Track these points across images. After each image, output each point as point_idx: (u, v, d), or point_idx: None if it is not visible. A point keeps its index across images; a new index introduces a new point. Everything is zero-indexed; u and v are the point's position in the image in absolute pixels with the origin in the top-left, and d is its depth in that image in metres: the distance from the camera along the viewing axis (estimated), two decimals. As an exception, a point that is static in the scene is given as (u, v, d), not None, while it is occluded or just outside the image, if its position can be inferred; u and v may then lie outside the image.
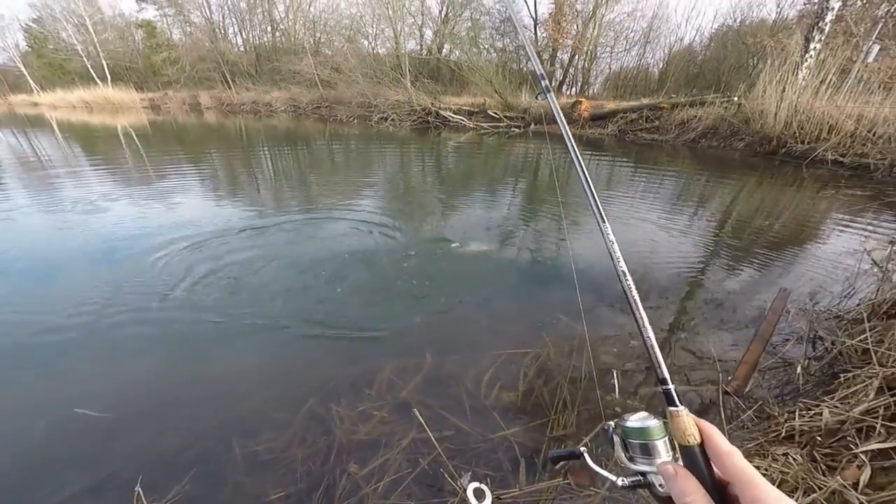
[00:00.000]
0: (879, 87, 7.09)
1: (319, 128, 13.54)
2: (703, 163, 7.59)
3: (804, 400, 1.50)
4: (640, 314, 0.52)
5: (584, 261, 3.15)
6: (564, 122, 0.73)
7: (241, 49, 28.33)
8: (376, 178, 6.47)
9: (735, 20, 16.19)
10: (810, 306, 2.29)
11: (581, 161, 0.66)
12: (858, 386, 1.42)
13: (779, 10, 14.81)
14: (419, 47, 21.74)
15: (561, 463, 0.58)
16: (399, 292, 2.66)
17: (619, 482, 0.47)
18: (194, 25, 29.23)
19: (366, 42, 24.11)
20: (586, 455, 0.53)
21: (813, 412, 1.38)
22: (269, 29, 27.49)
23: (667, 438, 0.46)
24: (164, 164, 7.12)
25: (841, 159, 6.41)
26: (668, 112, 9.74)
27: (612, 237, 0.59)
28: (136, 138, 11.13)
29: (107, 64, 28.22)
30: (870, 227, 3.99)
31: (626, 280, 0.55)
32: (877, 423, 1.23)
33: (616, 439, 0.49)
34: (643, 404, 1.68)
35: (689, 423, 0.43)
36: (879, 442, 1.16)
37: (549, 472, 1.40)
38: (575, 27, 17.77)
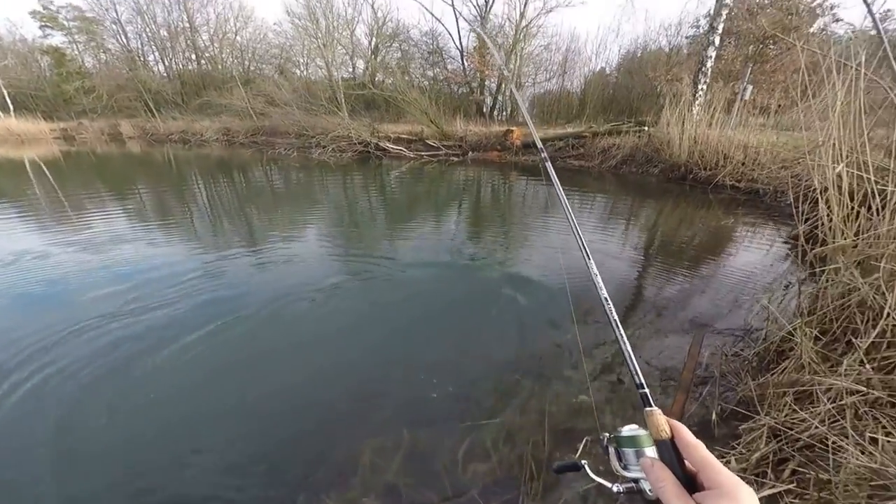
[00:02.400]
0: (756, 116, 8.39)
1: (257, 157, 13.29)
2: (626, 187, 8.38)
3: (717, 448, 1.83)
4: (619, 331, 0.62)
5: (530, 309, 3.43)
6: (557, 181, 0.93)
7: (165, 77, 26.87)
8: (322, 212, 6.55)
9: (636, 51, 17.96)
10: (720, 346, 2.72)
11: (568, 205, 0.85)
12: (755, 433, 1.77)
13: (669, 45, 16.72)
14: (352, 77, 21.86)
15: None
16: (359, 359, 2.73)
17: (615, 488, 0.53)
18: (110, 53, 27.32)
19: (297, 71, 23.88)
20: (587, 467, 0.59)
21: (723, 461, 1.70)
22: (193, 57, 26.33)
23: (655, 447, 0.51)
24: (79, 198, 6.79)
25: (737, 185, 7.36)
26: (590, 140, 10.60)
27: (595, 270, 0.74)
28: (46, 171, 10.31)
29: (7, 92, 25.52)
30: (765, 247, 4.74)
31: (608, 304, 0.67)
32: (768, 469, 1.57)
33: (611, 450, 0.55)
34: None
35: (662, 420, 0.51)
36: (769, 489, 1.49)
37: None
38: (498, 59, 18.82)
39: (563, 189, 0.92)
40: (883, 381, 1.86)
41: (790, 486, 1.47)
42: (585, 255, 0.77)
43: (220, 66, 25.96)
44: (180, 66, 26.67)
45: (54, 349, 2.71)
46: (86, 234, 5.08)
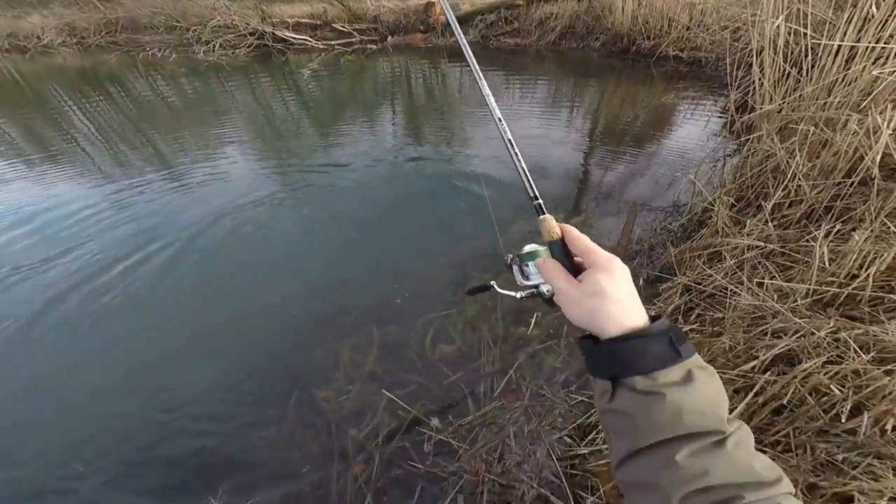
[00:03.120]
0: None
1: (127, 63, 11.88)
2: (567, 66, 8.56)
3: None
4: (513, 150, 0.70)
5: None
6: (459, 28, 0.82)
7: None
8: (235, 124, 6.33)
9: None
10: (650, 221, 3.25)
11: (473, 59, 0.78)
12: (671, 291, 2.31)
13: None
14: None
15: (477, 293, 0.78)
16: (314, 273, 3.10)
17: (518, 295, 0.67)
18: None
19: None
20: (495, 285, 0.72)
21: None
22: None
23: (550, 257, 0.63)
24: None
25: (680, 55, 7.73)
26: (525, 10, 10.38)
27: (487, 91, 0.75)
28: None
29: None
30: (703, 121, 5.30)
31: (502, 124, 0.72)
32: (679, 316, 2.10)
33: (515, 268, 0.69)
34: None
35: (553, 224, 0.63)
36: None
37: (489, 398, 2.12)
38: None
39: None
40: (780, 236, 2.41)
41: (693, 326, 2.01)
42: (476, 74, 0.77)
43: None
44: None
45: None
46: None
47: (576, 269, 0.61)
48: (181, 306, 2.86)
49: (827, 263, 1.97)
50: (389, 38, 11.91)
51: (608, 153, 4.54)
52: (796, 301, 1.90)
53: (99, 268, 3.14)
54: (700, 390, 0.49)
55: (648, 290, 2.56)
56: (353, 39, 11.90)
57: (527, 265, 0.66)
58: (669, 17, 8.04)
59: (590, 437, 1.79)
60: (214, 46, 11.89)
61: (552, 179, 4.02)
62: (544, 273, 0.63)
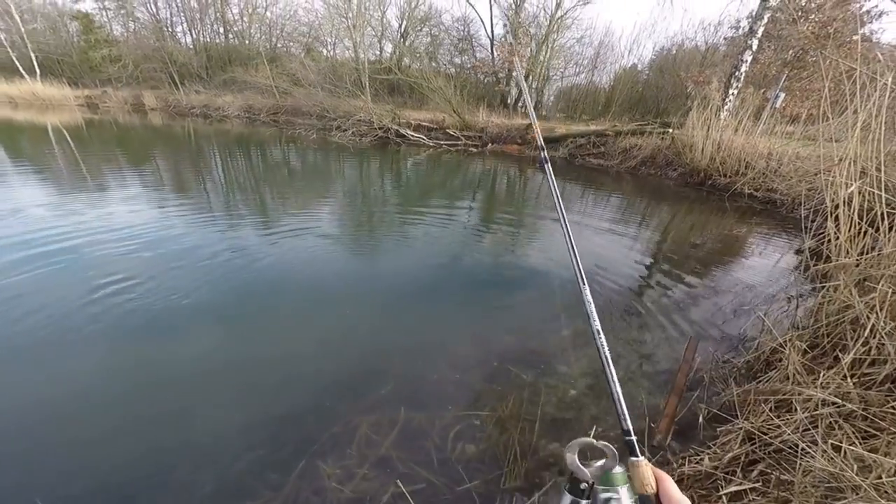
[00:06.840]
0: (784, 124, 8.32)
1: (276, 136, 13.65)
2: (643, 189, 8.41)
3: (694, 446, 1.97)
4: (609, 370, 0.55)
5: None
6: (553, 177, 0.84)
7: (191, 49, 27.22)
8: (335, 193, 6.88)
9: (672, 49, 17.66)
10: (713, 351, 2.83)
11: (561, 204, 0.76)
12: (731, 435, 1.91)
13: (706, 43, 16.45)
14: (379, 60, 21.96)
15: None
16: (363, 335, 2.91)
17: None
18: (139, 22, 27.76)
19: (324, 51, 24.07)
20: None
21: (698, 458, 1.84)
22: (221, 30, 26.61)
23: (628, 486, 0.48)
24: (97, 165, 7.35)
25: (755, 193, 7.34)
26: (612, 139, 10.57)
27: (589, 298, 0.62)
28: (68, 137, 10.84)
29: (35, 56, 26.06)
30: (775, 258, 4.82)
31: (600, 338, 0.59)
32: (738, 468, 1.70)
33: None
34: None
35: (648, 473, 0.47)
36: (736, 485, 1.63)
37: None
38: (529, 50, 18.68)
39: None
40: (861, 396, 1.97)
41: (756, 485, 1.61)
42: (580, 279, 0.67)
43: (247, 42, 26.25)
44: (207, 38, 27.00)
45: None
46: (99, 198, 5.35)
47: None
48: (219, 341, 2.74)
49: (920, 441, 1.55)
50: (490, 144, 12.61)
51: (672, 271, 4.19)
52: (881, 477, 1.48)
53: (152, 295, 3.11)
54: None
55: (707, 430, 2.13)
56: (459, 142, 12.76)
57: (597, 491, 0.49)
58: (746, 162, 7.76)
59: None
60: (347, 133, 13.30)
61: (610, 284, 3.76)
62: None
